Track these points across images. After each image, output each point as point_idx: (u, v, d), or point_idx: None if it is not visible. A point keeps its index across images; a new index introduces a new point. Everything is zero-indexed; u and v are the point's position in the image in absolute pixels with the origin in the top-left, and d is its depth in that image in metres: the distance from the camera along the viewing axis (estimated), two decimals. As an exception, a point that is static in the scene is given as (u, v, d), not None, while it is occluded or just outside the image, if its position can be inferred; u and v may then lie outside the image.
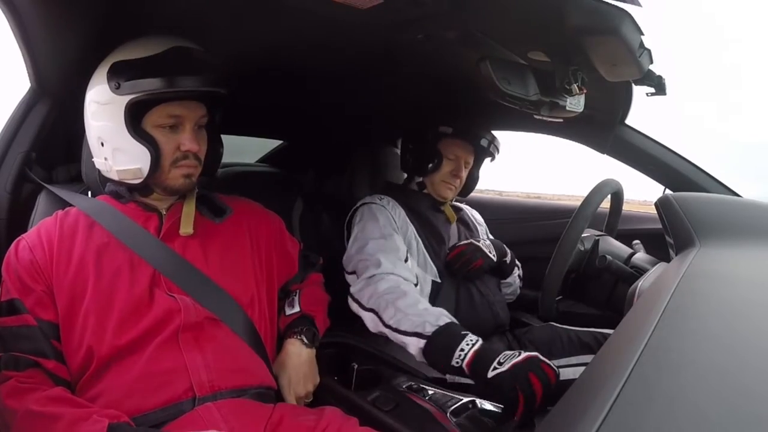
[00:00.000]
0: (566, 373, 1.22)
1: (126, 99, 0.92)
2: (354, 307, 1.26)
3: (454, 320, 1.13)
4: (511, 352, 0.99)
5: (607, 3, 0.82)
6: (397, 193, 1.58)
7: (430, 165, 1.54)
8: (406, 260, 1.37)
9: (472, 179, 1.65)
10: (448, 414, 1.00)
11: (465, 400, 1.04)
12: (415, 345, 1.10)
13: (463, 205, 1.76)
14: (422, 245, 1.49)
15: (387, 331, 1.16)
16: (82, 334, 0.88)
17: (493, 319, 1.49)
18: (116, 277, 0.92)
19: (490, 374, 0.95)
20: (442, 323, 1.09)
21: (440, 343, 1.06)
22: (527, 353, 0.98)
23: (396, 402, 1.06)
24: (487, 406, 1.04)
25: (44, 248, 0.92)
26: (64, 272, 0.91)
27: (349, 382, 1.20)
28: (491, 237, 1.76)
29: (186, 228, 1.00)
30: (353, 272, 1.35)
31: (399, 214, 1.50)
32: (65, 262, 0.92)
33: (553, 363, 1.24)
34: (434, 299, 1.45)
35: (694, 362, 0.47)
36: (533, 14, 0.90)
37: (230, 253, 1.04)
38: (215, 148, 1.07)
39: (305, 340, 1.10)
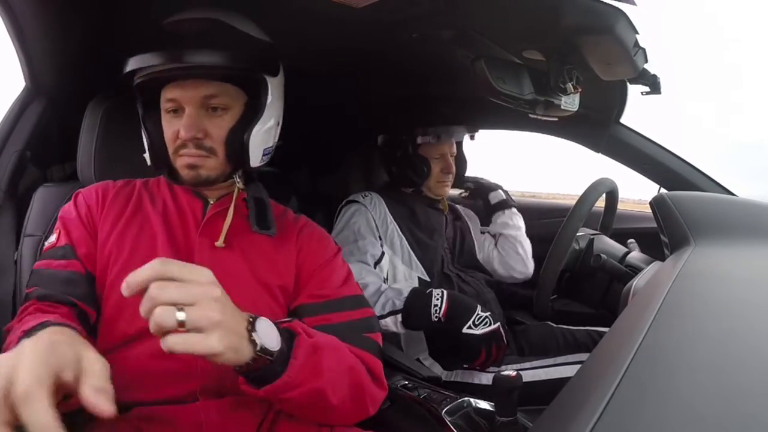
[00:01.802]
0: (563, 372, 1.24)
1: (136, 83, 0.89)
2: None
3: (413, 285, 1.32)
4: (483, 316, 1.20)
5: (603, 2, 0.82)
6: (390, 192, 1.58)
7: (421, 173, 1.53)
8: (379, 261, 1.41)
9: (462, 163, 1.67)
10: (442, 413, 1.00)
11: (459, 399, 1.04)
12: (393, 322, 1.25)
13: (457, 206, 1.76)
14: (406, 243, 1.49)
15: None
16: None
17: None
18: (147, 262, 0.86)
19: (465, 330, 1.19)
20: (406, 293, 1.25)
21: (415, 310, 1.23)
22: (495, 325, 1.20)
23: (390, 400, 1.06)
24: (482, 405, 1.04)
25: (99, 202, 0.90)
26: (107, 234, 0.88)
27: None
28: (482, 230, 1.76)
29: (220, 242, 0.90)
30: None
31: (380, 212, 1.51)
32: (111, 221, 0.89)
33: (550, 361, 1.26)
34: None
35: (689, 361, 0.46)
36: (529, 13, 0.90)
37: (262, 271, 0.91)
38: (238, 136, 0.89)
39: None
